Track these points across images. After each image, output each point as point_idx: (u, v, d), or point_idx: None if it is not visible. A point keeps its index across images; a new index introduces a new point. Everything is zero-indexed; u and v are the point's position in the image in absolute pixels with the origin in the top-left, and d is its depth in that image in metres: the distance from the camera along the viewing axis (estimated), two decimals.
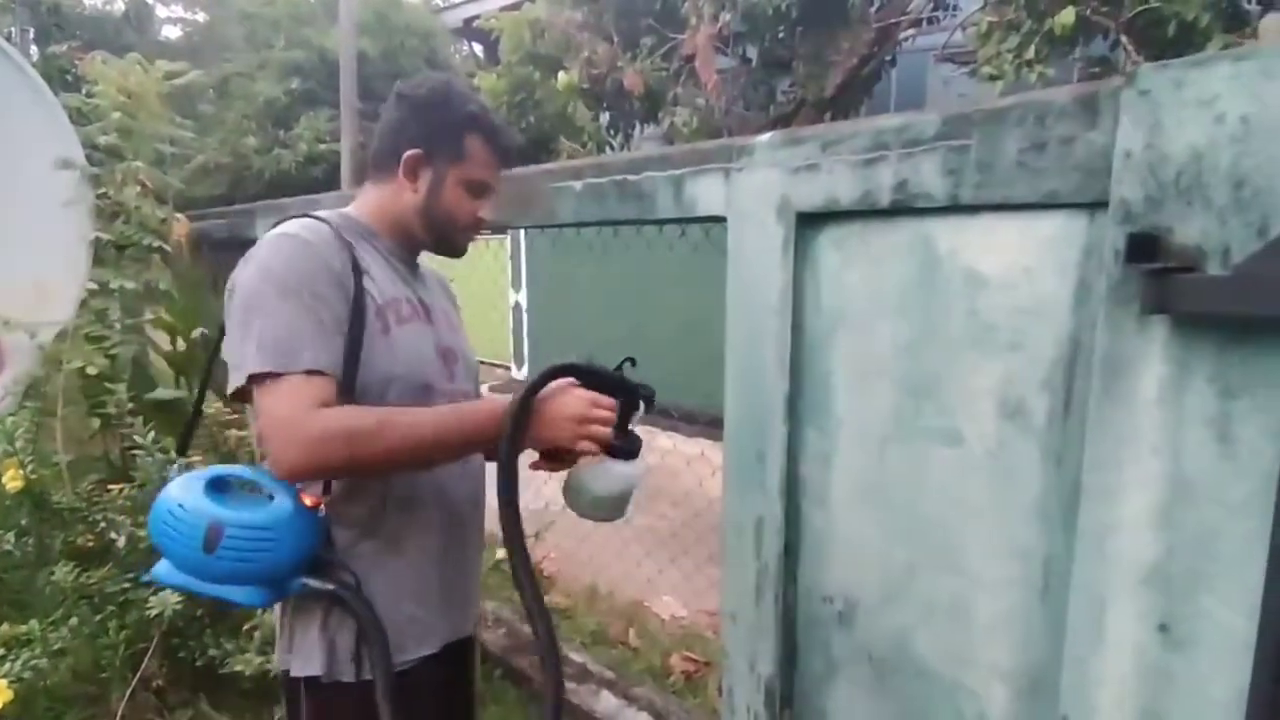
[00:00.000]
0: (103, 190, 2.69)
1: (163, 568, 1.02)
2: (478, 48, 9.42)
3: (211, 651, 1.90)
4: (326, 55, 6.42)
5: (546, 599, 1.16)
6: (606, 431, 1.03)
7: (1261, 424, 0.73)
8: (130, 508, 2.06)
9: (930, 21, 5.36)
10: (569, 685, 2.12)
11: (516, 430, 0.98)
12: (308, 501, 1.01)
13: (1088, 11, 3.55)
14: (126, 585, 1.93)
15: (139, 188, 2.73)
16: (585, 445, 1.03)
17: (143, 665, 1.89)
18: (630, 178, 1.38)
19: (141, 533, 1.94)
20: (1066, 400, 0.92)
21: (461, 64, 9.41)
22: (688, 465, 2.95)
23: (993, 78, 3.95)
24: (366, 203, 1.18)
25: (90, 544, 2.06)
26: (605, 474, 1.03)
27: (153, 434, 2.05)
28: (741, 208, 1.21)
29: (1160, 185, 0.77)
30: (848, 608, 1.19)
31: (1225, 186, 0.73)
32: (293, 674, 1.12)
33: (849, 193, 1.07)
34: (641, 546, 2.89)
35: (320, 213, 1.11)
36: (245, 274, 1.03)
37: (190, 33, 7.83)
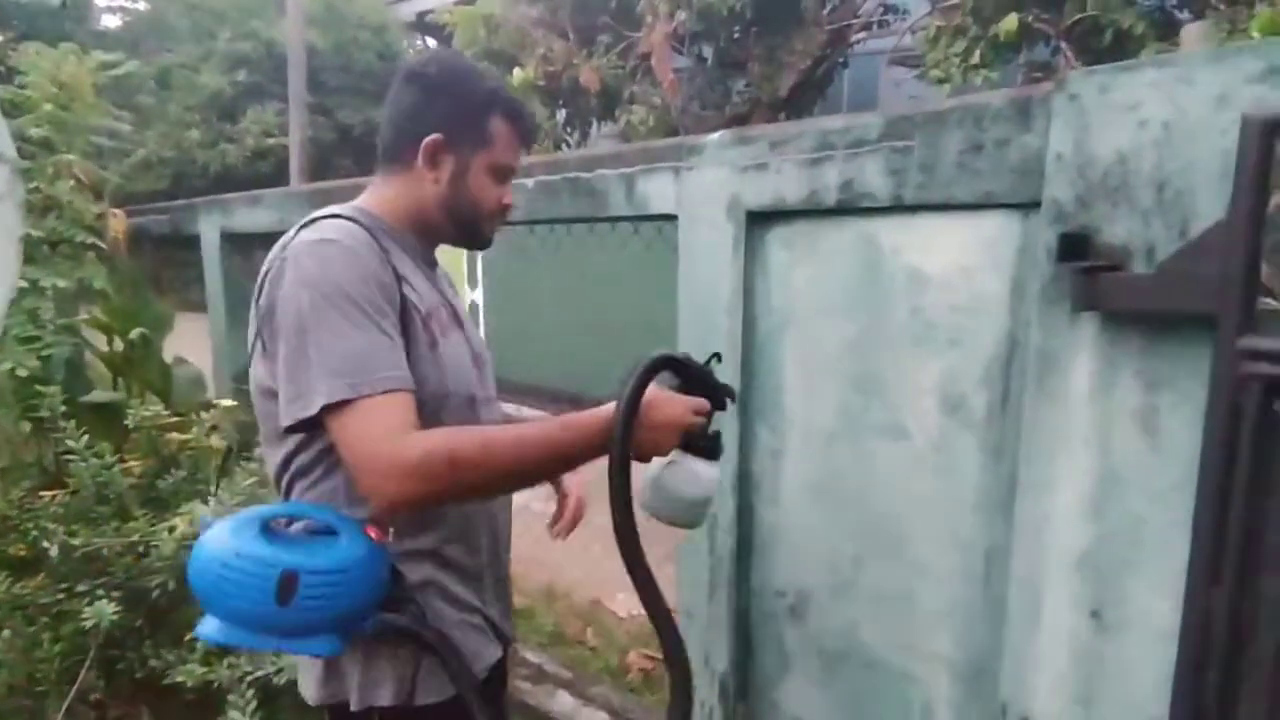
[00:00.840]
0: (34, 185, 2.58)
1: (213, 627, 0.88)
2: (431, 42, 9.29)
3: (153, 663, 1.84)
4: (274, 47, 6.23)
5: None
6: (702, 434, 0.96)
7: (1184, 415, 0.76)
8: (64, 515, 1.98)
9: (881, 25, 5.46)
10: (524, 686, 2.10)
11: (626, 442, 0.88)
12: (373, 535, 0.93)
13: (1030, 18, 3.66)
14: (60, 596, 1.85)
15: (72, 181, 2.61)
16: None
17: (79, 678, 1.81)
18: (583, 175, 1.37)
19: (76, 541, 1.86)
20: (1004, 395, 0.95)
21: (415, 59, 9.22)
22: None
23: (940, 81, 4.05)
24: (382, 197, 1.06)
25: (22, 553, 1.97)
26: (694, 477, 0.95)
27: (87, 438, 1.97)
28: (692, 206, 1.22)
29: (1089, 187, 0.80)
30: (799, 601, 1.21)
31: (1149, 188, 0.76)
32: (354, 707, 1.02)
33: (797, 192, 1.08)
34: (600, 545, 2.89)
35: (341, 210, 1.01)
36: (288, 290, 0.91)
37: (130, 22, 7.53)
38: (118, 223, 2.79)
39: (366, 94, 6.39)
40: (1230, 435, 0.69)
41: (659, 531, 1.13)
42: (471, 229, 1.09)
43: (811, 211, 1.08)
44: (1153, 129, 0.75)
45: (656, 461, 0.95)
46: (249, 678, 1.57)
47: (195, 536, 1.68)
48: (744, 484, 1.24)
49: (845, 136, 1.02)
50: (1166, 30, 3.46)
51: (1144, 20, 3.39)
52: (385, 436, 0.86)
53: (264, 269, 0.97)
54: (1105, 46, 3.47)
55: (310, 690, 1.05)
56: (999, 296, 0.93)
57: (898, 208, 0.99)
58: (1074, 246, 0.80)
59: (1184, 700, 0.75)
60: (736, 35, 5.23)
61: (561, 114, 6.22)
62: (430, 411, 0.96)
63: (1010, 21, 3.60)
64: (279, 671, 1.53)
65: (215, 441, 2.09)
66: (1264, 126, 0.65)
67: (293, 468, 0.99)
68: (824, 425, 1.14)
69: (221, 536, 0.88)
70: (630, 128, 5.40)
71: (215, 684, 1.60)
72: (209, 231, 2.60)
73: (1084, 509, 0.84)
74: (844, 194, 1.03)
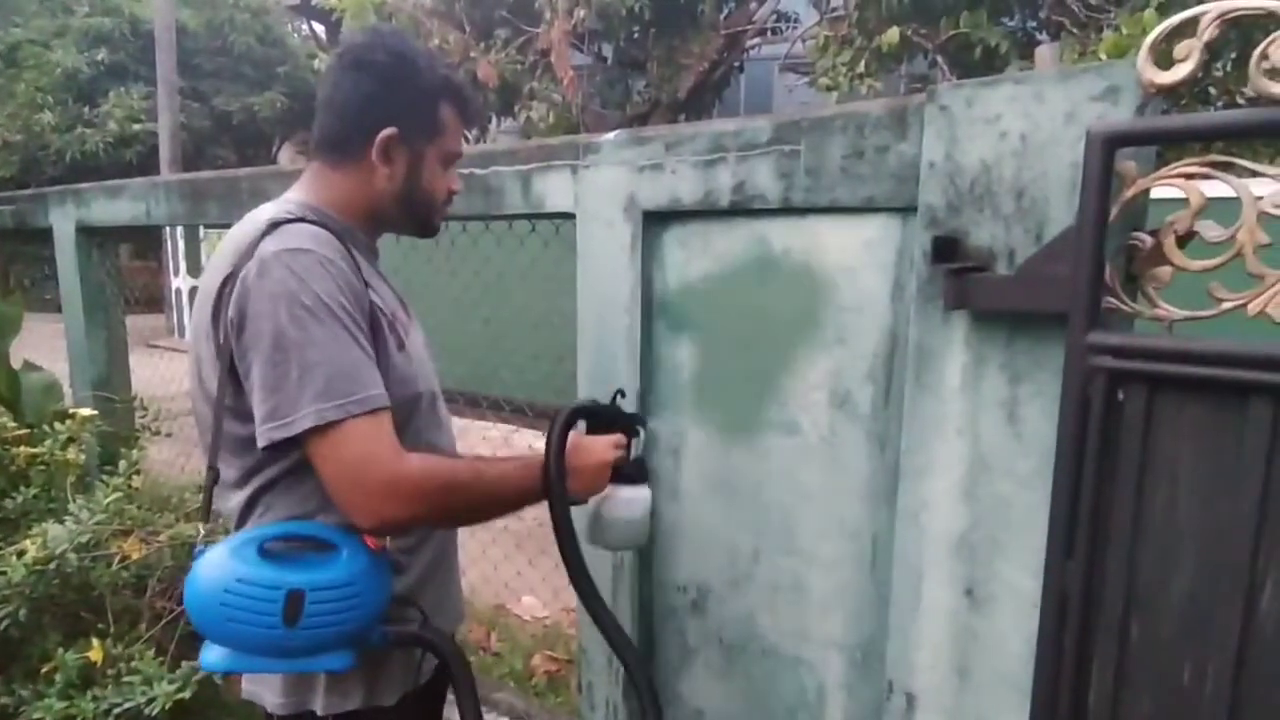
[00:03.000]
0: None
1: (219, 655, 0.86)
2: (318, 28, 8.85)
3: (3, 700, 1.67)
4: (140, 25, 5.77)
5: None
6: (625, 464, 1.06)
7: (1041, 406, 0.82)
8: None
9: (775, 32, 5.65)
10: None
11: (562, 490, 0.96)
12: (371, 545, 0.92)
13: (910, 32, 3.89)
14: None
15: None
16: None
17: None
18: (478, 172, 1.34)
19: None
20: (887, 389, 1.00)
21: (300, 44, 8.79)
22: None
23: (829, 88, 4.24)
24: (330, 191, 1.01)
25: None
26: (629, 502, 1.06)
27: None
28: (589, 205, 1.22)
29: (958, 193, 0.85)
30: (700, 595, 1.24)
31: (1010, 196, 0.82)
32: (322, 713, 1.00)
33: (692, 193, 1.10)
34: (500, 549, 2.84)
35: (295, 209, 0.95)
36: (262, 303, 0.87)
37: None
38: None
39: (246, 80, 6.02)
40: (1080, 423, 0.75)
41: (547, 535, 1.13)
42: (424, 220, 1.07)
43: (706, 212, 1.11)
44: (1012, 141, 0.81)
45: (594, 499, 1.05)
46: (117, 710, 1.45)
47: (49, 560, 1.55)
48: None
49: (737, 139, 1.04)
50: (1027, 48, 3.76)
51: (1008, 39, 3.67)
52: (381, 458, 0.86)
53: (219, 276, 0.91)
54: (975, 61, 3.73)
55: (269, 698, 1.01)
56: (881, 295, 0.98)
57: (787, 209, 1.02)
58: (946, 249, 0.85)
59: (1046, 665, 0.81)
60: (636, 35, 5.27)
61: None
62: (404, 414, 0.96)
63: (892, 34, 3.81)
64: (150, 701, 1.42)
65: (72, 454, 1.91)
66: (1106, 140, 0.71)
67: (258, 481, 0.95)
68: (720, 422, 1.17)
69: (220, 562, 0.86)
70: (530, 124, 5.34)
71: (78, 719, 1.47)
72: (62, 224, 2.37)
73: (958, 494, 0.90)
74: (736, 195, 1.05)
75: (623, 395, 1.11)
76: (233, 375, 0.91)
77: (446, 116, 1.02)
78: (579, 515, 1.01)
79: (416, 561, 1.05)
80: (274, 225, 0.91)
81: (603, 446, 1.03)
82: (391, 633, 0.95)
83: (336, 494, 0.88)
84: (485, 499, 0.95)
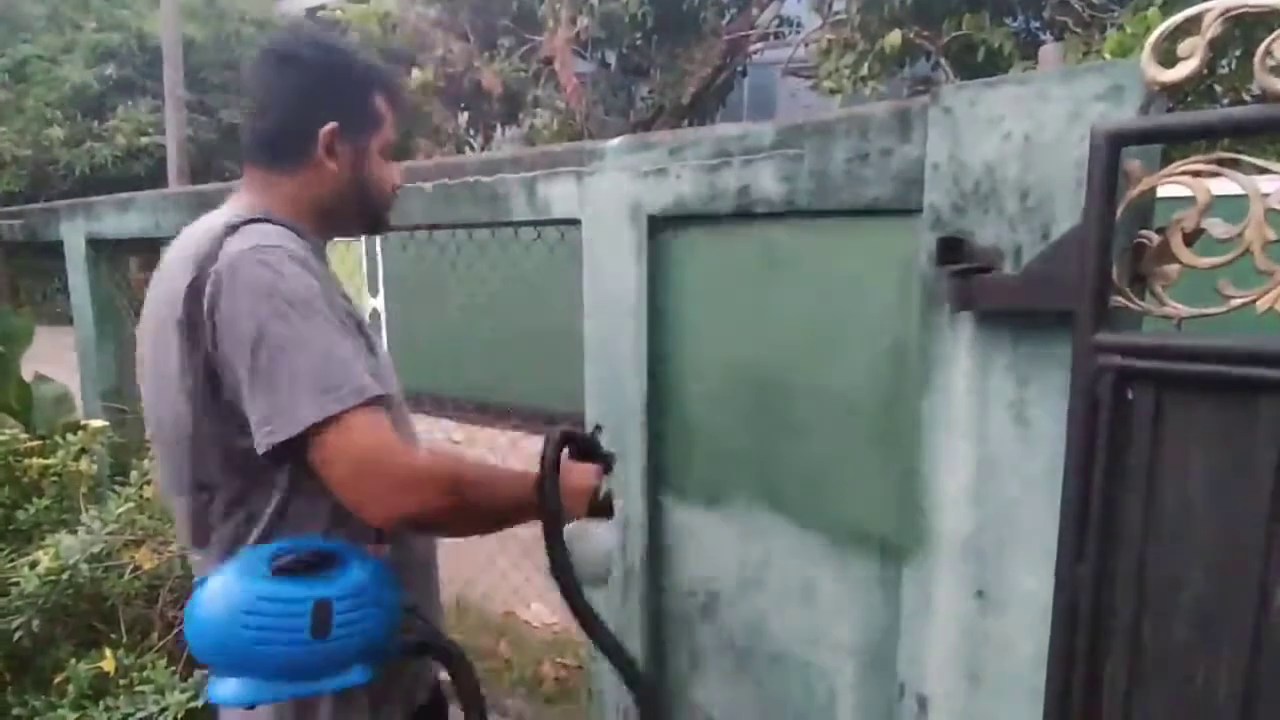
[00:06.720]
0: None
1: (235, 687, 0.82)
2: None
3: (16, 711, 1.67)
4: (147, 40, 5.83)
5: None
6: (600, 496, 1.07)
7: (1049, 407, 0.82)
8: None
9: (777, 37, 5.66)
10: None
11: (557, 508, 0.97)
12: (373, 552, 0.92)
13: (912, 34, 3.89)
14: None
15: None
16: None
17: None
18: (483, 179, 1.35)
19: None
20: (893, 392, 0.99)
21: None
22: None
23: (833, 91, 4.24)
24: (277, 198, 0.99)
25: None
26: (599, 537, 1.09)
27: None
28: (595, 211, 1.22)
29: (963, 194, 0.85)
30: (709, 600, 1.23)
31: (1014, 196, 0.81)
32: None
33: (696, 197, 1.10)
34: (507, 556, 2.84)
35: (243, 211, 0.93)
36: (241, 303, 0.84)
37: None
38: None
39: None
40: (1089, 423, 0.75)
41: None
42: (375, 214, 1.06)
43: (712, 216, 1.11)
44: (1015, 141, 0.81)
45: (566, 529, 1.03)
46: (130, 719, 1.45)
47: (61, 571, 1.55)
48: (653, 485, 1.25)
49: (741, 144, 1.04)
50: (1031, 49, 3.76)
51: (1011, 40, 3.67)
52: (390, 447, 0.84)
53: (179, 284, 0.88)
54: (978, 63, 3.73)
55: None
56: (888, 298, 0.98)
57: (792, 213, 1.02)
58: (951, 250, 0.85)
59: (1058, 667, 0.81)
60: (638, 42, 5.29)
61: (463, 117, 6.11)
62: None
63: (894, 37, 3.81)
64: (163, 711, 1.42)
65: (84, 466, 1.92)
66: (1110, 139, 0.71)
67: (257, 500, 0.92)
68: (728, 426, 1.16)
69: (234, 585, 0.82)
70: (534, 132, 5.37)
71: None
72: (73, 237, 2.39)
73: (966, 496, 0.89)
74: (741, 199, 1.06)
75: (600, 430, 1.17)
76: (211, 384, 0.87)
77: (381, 107, 1.01)
78: None
79: (407, 575, 1.03)
80: (233, 227, 0.89)
81: (589, 472, 1.05)
82: (411, 641, 0.94)
83: (346, 488, 0.85)
84: (486, 500, 0.94)
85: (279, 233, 0.90)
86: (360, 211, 1.04)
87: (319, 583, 0.84)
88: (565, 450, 1.03)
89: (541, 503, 0.95)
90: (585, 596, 1.03)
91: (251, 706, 0.84)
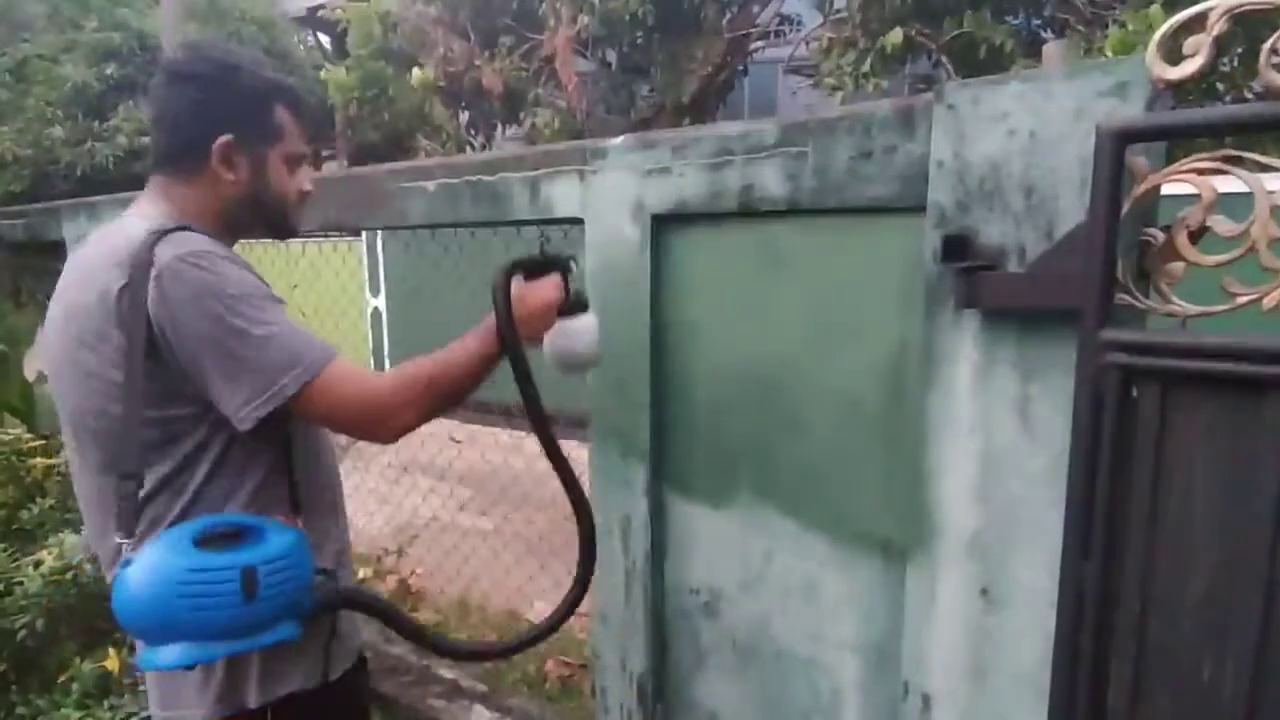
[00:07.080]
0: None
1: (175, 651, 0.88)
2: (324, 39, 8.91)
3: (21, 710, 1.68)
4: (148, 40, 5.83)
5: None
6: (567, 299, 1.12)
7: (1053, 403, 0.82)
8: None
9: (778, 35, 5.66)
10: (439, 704, 2.04)
11: (514, 331, 1.02)
12: (287, 523, 1.00)
13: (913, 32, 3.88)
14: None
15: None
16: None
17: None
18: (485, 178, 1.35)
19: None
20: (898, 389, 0.99)
21: (307, 56, 8.85)
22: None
23: (834, 89, 4.23)
24: (183, 203, 1.05)
25: None
26: (579, 332, 1.11)
27: None
28: (598, 210, 1.22)
29: (967, 191, 0.85)
30: (712, 598, 1.23)
31: (1019, 193, 0.81)
32: (254, 705, 1.04)
33: (699, 195, 1.10)
34: (511, 554, 2.84)
35: (159, 219, 0.99)
36: (190, 306, 0.91)
37: None
38: None
39: None
40: (1094, 420, 0.75)
41: (573, 537, 1.13)
42: (279, 221, 1.12)
43: (715, 214, 1.11)
44: (1020, 138, 0.81)
45: (547, 334, 1.11)
46: (134, 718, 1.46)
47: (65, 570, 1.56)
48: (656, 484, 1.25)
49: (743, 142, 1.04)
50: (1032, 47, 3.75)
51: (1013, 37, 3.66)
52: (372, 382, 0.97)
53: (108, 288, 0.93)
54: (980, 61, 3.72)
55: (192, 705, 1.03)
56: (891, 295, 0.98)
57: (796, 211, 1.02)
58: (955, 248, 0.85)
59: (1063, 665, 0.81)
60: (639, 41, 5.28)
61: (465, 116, 6.11)
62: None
63: (895, 35, 3.80)
64: None
65: None
66: (1116, 136, 0.71)
67: (176, 483, 0.99)
68: (732, 424, 1.16)
69: (162, 560, 0.89)
70: (535, 131, 5.36)
71: None
72: (75, 237, 2.39)
73: (971, 493, 0.89)
74: (744, 198, 1.06)
75: (548, 241, 1.18)
76: (149, 378, 0.93)
77: (282, 119, 1.06)
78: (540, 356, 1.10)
79: (322, 542, 1.12)
80: (160, 234, 0.95)
81: (545, 288, 1.08)
82: (321, 596, 1.02)
83: (353, 427, 0.98)
84: (460, 375, 1.02)
85: (204, 239, 0.97)
86: (262, 219, 1.10)
87: (242, 550, 0.92)
88: (521, 277, 1.08)
89: (500, 342, 1.02)
90: (553, 430, 1.11)
91: (191, 667, 0.92)
